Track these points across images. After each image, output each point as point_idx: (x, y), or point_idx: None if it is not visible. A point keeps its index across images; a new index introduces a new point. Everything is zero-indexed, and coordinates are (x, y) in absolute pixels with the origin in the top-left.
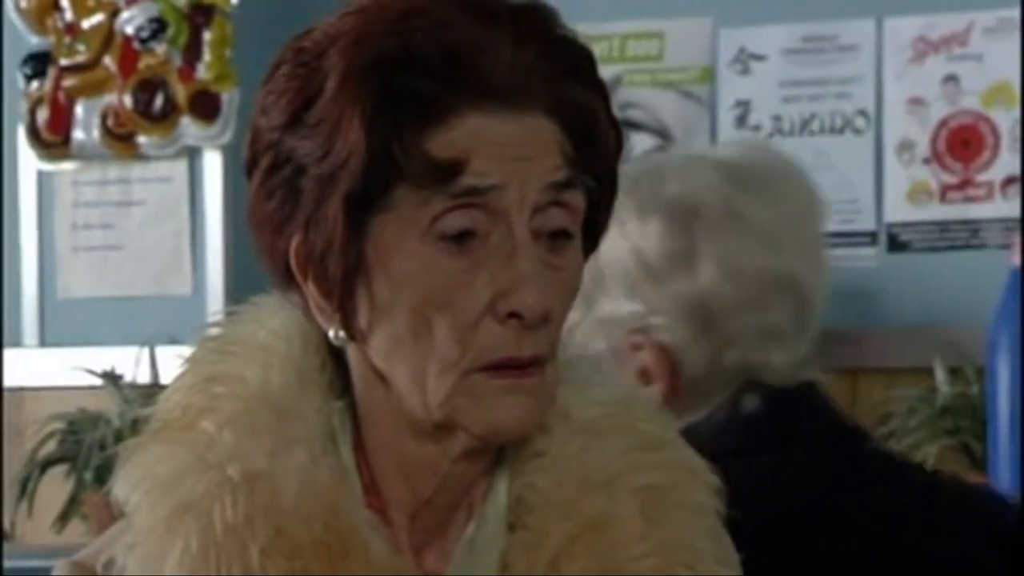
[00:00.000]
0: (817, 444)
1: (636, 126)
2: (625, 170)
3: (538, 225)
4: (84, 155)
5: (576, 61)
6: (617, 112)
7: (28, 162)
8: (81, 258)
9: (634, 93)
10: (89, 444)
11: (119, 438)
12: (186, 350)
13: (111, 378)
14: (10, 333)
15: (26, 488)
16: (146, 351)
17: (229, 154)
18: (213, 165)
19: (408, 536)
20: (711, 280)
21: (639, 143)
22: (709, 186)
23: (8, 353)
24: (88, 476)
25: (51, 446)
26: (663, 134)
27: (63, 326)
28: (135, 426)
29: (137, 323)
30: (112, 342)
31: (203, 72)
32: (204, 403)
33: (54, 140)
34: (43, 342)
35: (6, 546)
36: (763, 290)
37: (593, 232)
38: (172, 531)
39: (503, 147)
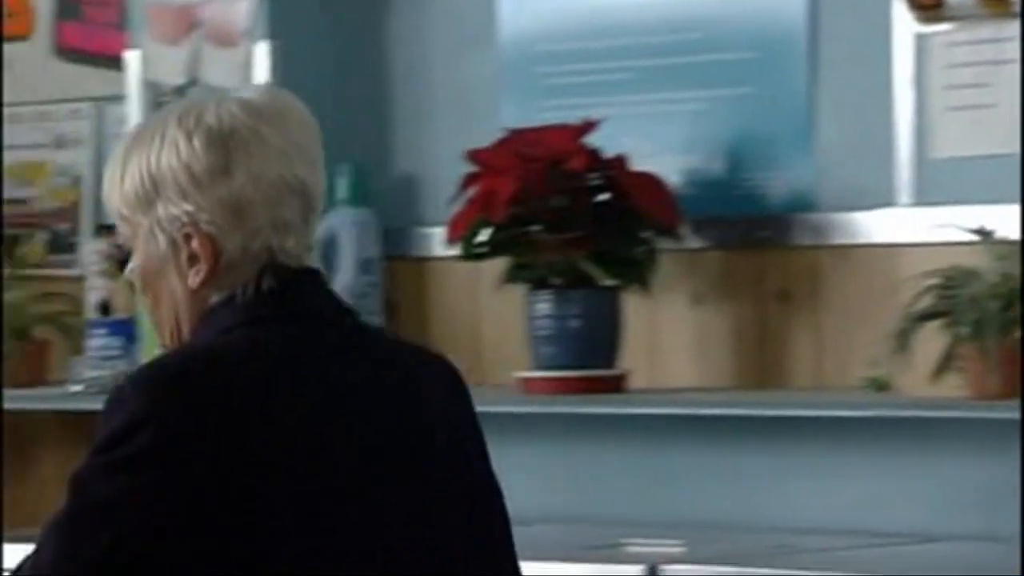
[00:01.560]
0: (316, 318)
1: None
2: (178, 104)
3: None
4: (959, 16)
5: None
6: None
7: (903, 25)
8: (954, 117)
9: None
10: (964, 299)
11: (993, 294)
12: None
13: (983, 234)
14: (884, 191)
15: (903, 341)
16: (1016, 208)
17: None
18: None
19: None
20: (242, 185)
21: None
22: (236, 117)
23: (882, 212)
24: (964, 331)
25: (926, 301)
26: None
27: (936, 184)
28: (1008, 282)
29: (1007, 180)
30: (983, 199)
31: None
32: None
33: (930, 3)
34: (917, 200)
35: (884, 396)
36: (279, 192)
37: None
38: None
39: None
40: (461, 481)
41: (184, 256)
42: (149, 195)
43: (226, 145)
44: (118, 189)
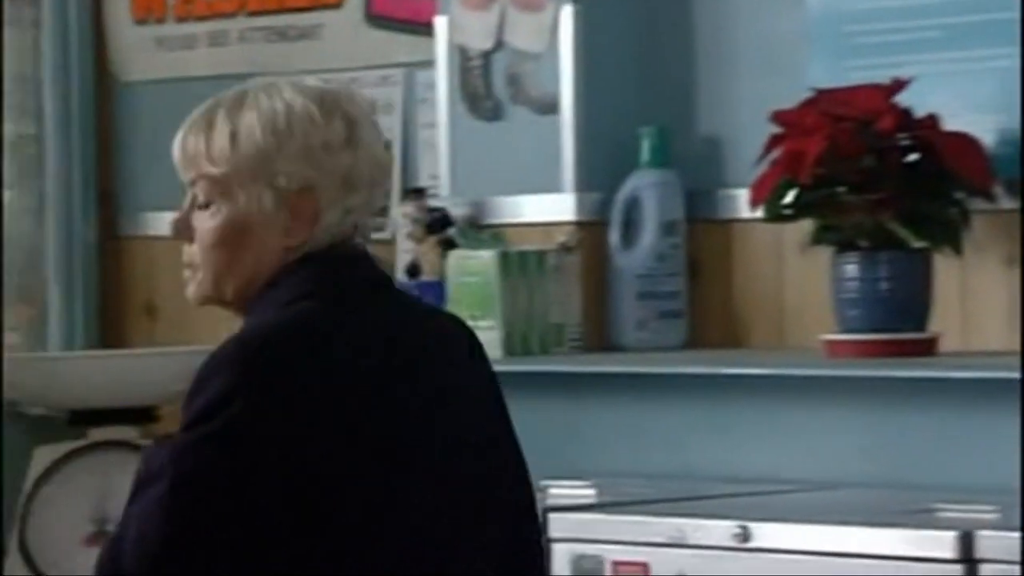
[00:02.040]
0: (379, 292)
1: None
2: (283, 79)
3: None
4: None
5: None
6: None
7: None
8: None
9: None
10: None
11: None
12: None
13: None
14: None
15: None
16: None
17: None
18: None
19: None
20: (361, 161)
21: None
22: (354, 98)
23: None
24: None
25: None
26: None
27: None
28: None
29: None
30: None
31: None
32: None
33: None
34: None
35: None
36: (380, 173)
37: None
38: None
39: None
40: (476, 490)
41: (286, 215)
42: (270, 155)
43: (352, 120)
44: (228, 145)
